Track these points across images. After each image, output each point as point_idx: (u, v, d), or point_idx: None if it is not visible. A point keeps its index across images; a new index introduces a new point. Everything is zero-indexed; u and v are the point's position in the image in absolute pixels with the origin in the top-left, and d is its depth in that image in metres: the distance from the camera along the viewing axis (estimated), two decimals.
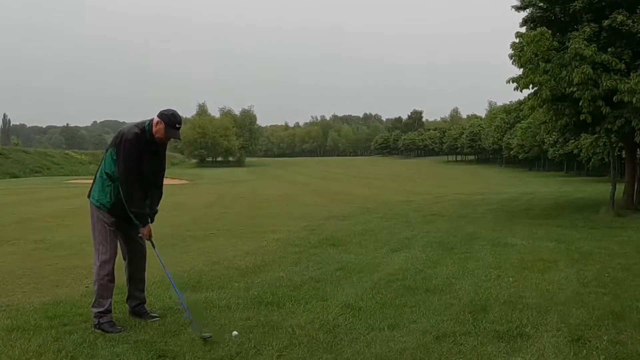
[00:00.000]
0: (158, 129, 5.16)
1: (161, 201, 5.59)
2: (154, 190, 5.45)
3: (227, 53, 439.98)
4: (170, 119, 5.17)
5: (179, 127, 5.25)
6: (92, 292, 5.26)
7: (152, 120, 5.23)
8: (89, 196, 5.34)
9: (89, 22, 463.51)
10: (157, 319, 5.38)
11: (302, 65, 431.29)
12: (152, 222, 5.42)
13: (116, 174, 5.13)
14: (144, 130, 5.17)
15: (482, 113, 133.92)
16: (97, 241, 5.21)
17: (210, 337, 4.70)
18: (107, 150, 5.25)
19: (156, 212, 5.54)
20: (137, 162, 5.10)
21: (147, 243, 5.49)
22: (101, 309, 5.05)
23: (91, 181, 5.42)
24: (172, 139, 5.35)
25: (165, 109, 5.24)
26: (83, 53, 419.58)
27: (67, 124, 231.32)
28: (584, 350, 4.40)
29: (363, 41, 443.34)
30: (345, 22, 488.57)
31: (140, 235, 5.40)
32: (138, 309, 5.45)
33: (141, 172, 5.17)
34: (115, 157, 5.12)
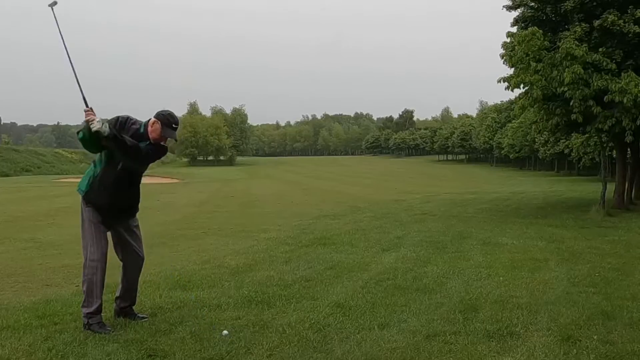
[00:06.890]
0: (154, 129, 5.09)
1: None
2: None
3: (218, 50, 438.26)
4: (168, 119, 5.13)
5: (176, 128, 5.20)
6: (82, 291, 5.20)
7: (148, 121, 5.18)
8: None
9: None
10: (146, 319, 5.34)
11: (295, 64, 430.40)
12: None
13: (98, 158, 5.07)
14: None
15: (474, 112, 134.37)
16: (86, 240, 5.10)
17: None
18: None
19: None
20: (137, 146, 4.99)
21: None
22: (90, 310, 4.98)
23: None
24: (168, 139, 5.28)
25: (162, 109, 5.20)
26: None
27: (58, 123, 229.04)
28: (574, 350, 4.41)
29: (357, 40, 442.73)
30: (340, 20, 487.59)
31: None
32: (126, 310, 5.40)
33: (135, 167, 5.16)
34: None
